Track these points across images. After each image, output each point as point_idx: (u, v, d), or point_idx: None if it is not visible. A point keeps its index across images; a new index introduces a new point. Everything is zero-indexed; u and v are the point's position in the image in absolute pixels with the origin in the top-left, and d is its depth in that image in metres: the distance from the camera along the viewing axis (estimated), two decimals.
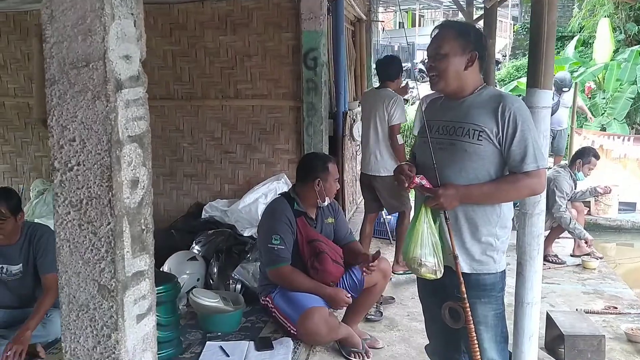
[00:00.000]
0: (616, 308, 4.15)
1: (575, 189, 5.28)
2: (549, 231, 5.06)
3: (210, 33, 4.81)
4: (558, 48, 13.11)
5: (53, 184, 1.43)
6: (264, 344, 2.99)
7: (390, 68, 4.44)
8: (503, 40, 20.44)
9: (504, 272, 2.12)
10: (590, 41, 13.49)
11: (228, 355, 2.89)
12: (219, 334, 3.16)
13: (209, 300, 3.26)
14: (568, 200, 5.16)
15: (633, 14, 12.66)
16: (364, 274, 3.09)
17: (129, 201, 1.45)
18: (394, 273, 4.27)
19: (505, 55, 18.64)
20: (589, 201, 6.63)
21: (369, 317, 3.62)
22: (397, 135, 4.27)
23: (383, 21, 19.99)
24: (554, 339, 3.47)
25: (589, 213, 6.56)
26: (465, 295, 1.99)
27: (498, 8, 5.18)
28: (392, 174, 2.18)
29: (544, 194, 2.23)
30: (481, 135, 1.99)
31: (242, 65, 4.79)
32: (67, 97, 1.40)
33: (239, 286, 3.63)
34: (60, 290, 1.44)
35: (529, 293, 2.36)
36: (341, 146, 5.06)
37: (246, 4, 4.70)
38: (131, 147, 1.45)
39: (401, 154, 4.29)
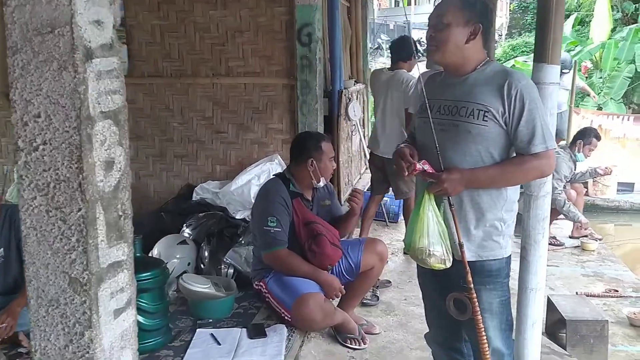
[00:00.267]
0: (617, 291, 4.08)
1: (575, 170, 5.19)
2: None
3: (200, 7, 4.62)
4: None
5: (17, 165, 1.28)
6: (257, 331, 2.89)
7: (404, 49, 4.30)
8: (499, 20, 20.23)
9: (509, 257, 2.01)
10: (587, 20, 13.31)
11: (219, 343, 2.79)
12: (210, 320, 3.06)
13: (199, 285, 3.16)
14: (567, 181, 5.07)
15: None
16: (349, 203, 3.03)
17: (103, 185, 1.30)
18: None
19: (502, 35, 18.45)
20: (587, 182, 6.54)
21: (365, 301, 3.54)
22: None
23: None
24: (554, 323, 3.39)
25: (586, 194, 6.47)
26: (472, 285, 1.87)
27: None
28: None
29: (550, 176, 2.11)
30: (486, 116, 1.85)
31: (234, 41, 4.63)
32: (30, 68, 1.25)
33: (231, 271, 3.53)
34: (28, 283, 1.31)
35: (533, 278, 2.25)
36: (336, 126, 4.92)
37: None
38: (104, 124, 1.29)
39: None
